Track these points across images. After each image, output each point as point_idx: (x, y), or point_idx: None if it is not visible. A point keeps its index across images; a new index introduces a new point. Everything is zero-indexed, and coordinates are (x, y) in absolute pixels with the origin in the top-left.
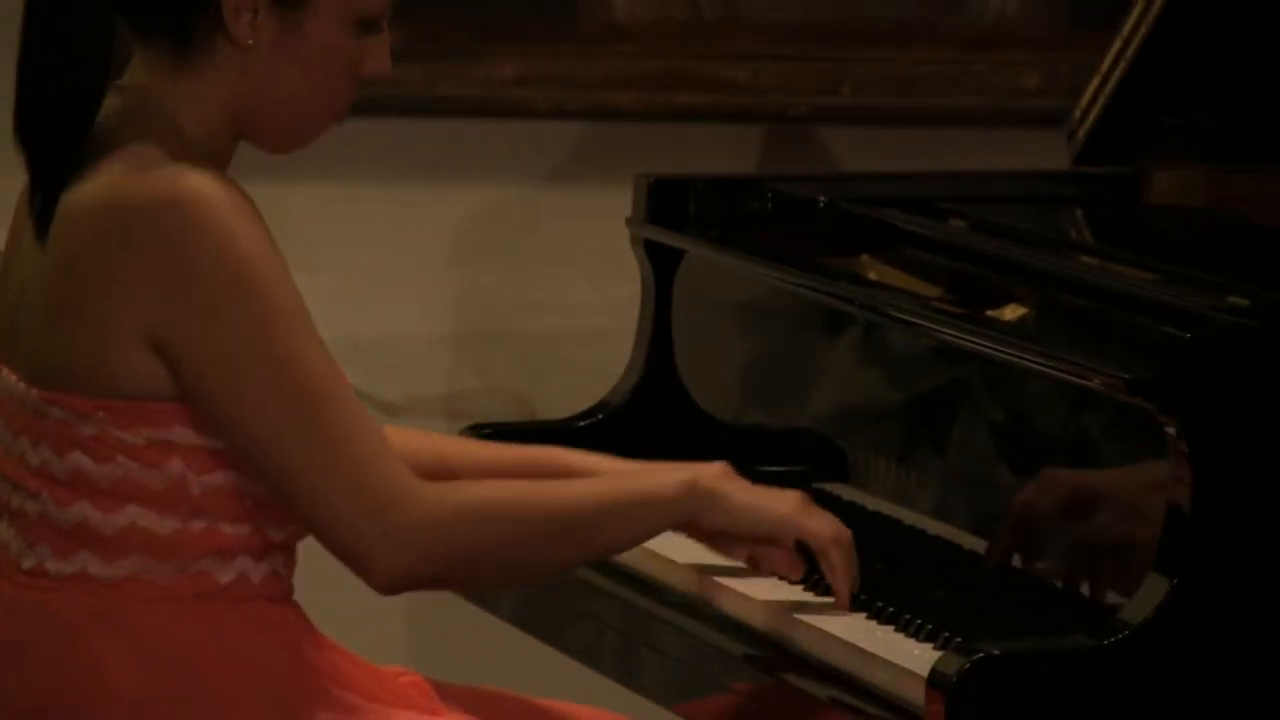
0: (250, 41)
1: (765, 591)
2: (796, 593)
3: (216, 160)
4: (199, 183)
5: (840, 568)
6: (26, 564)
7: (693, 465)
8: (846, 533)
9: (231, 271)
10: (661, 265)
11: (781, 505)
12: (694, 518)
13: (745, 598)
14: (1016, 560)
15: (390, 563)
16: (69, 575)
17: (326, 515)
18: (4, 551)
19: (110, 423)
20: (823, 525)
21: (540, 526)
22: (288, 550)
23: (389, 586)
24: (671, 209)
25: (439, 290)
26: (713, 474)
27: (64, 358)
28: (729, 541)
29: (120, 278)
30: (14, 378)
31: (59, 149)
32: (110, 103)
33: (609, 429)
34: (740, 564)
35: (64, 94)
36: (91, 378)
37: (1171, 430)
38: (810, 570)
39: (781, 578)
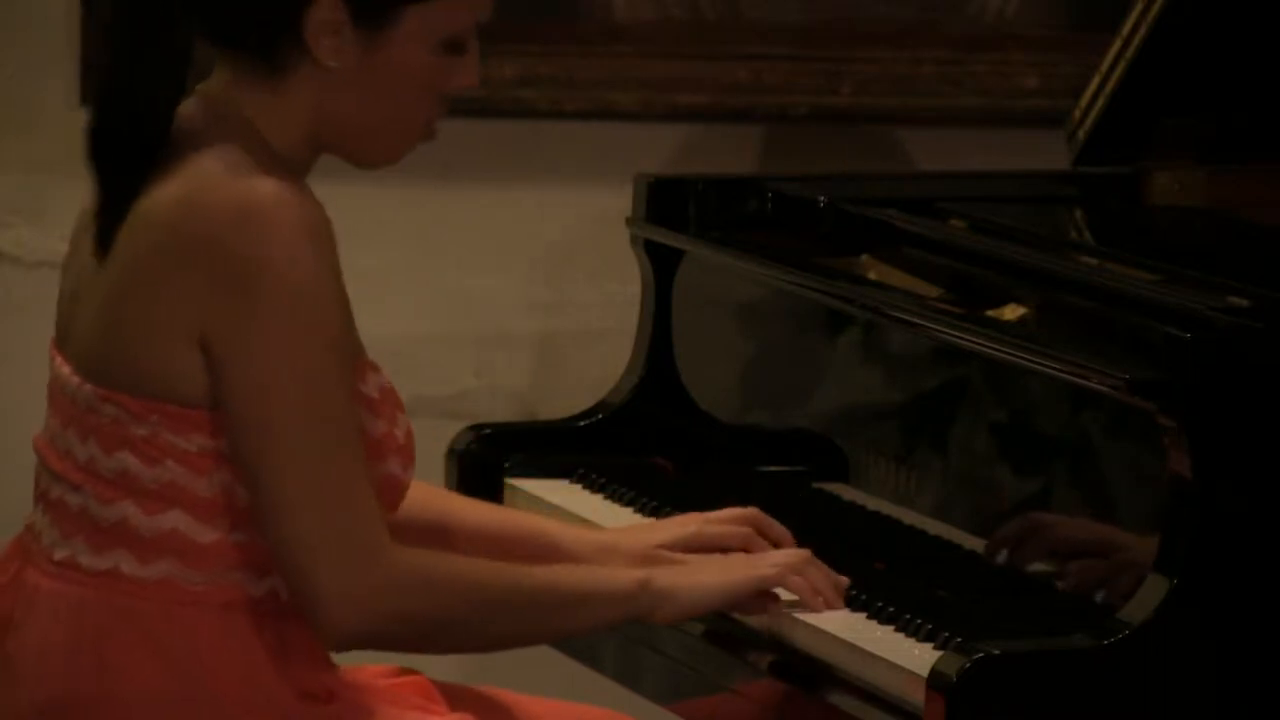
0: (334, 63)
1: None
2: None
3: (295, 171)
4: (275, 192)
5: (811, 592)
6: (59, 554)
7: (662, 529)
8: (800, 558)
9: (290, 287)
10: (661, 265)
11: (731, 574)
12: (646, 615)
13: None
14: (1016, 560)
15: (343, 620)
16: (100, 571)
17: (297, 551)
18: (36, 540)
19: (163, 426)
20: (777, 570)
21: (494, 608)
22: None
23: (336, 640)
24: (671, 209)
25: (439, 290)
26: (664, 570)
27: (121, 356)
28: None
29: (183, 279)
30: (68, 369)
31: (133, 164)
32: (191, 107)
33: (609, 429)
34: None
35: (140, 112)
36: (146, 379)
37: (1172, 430)
38: None
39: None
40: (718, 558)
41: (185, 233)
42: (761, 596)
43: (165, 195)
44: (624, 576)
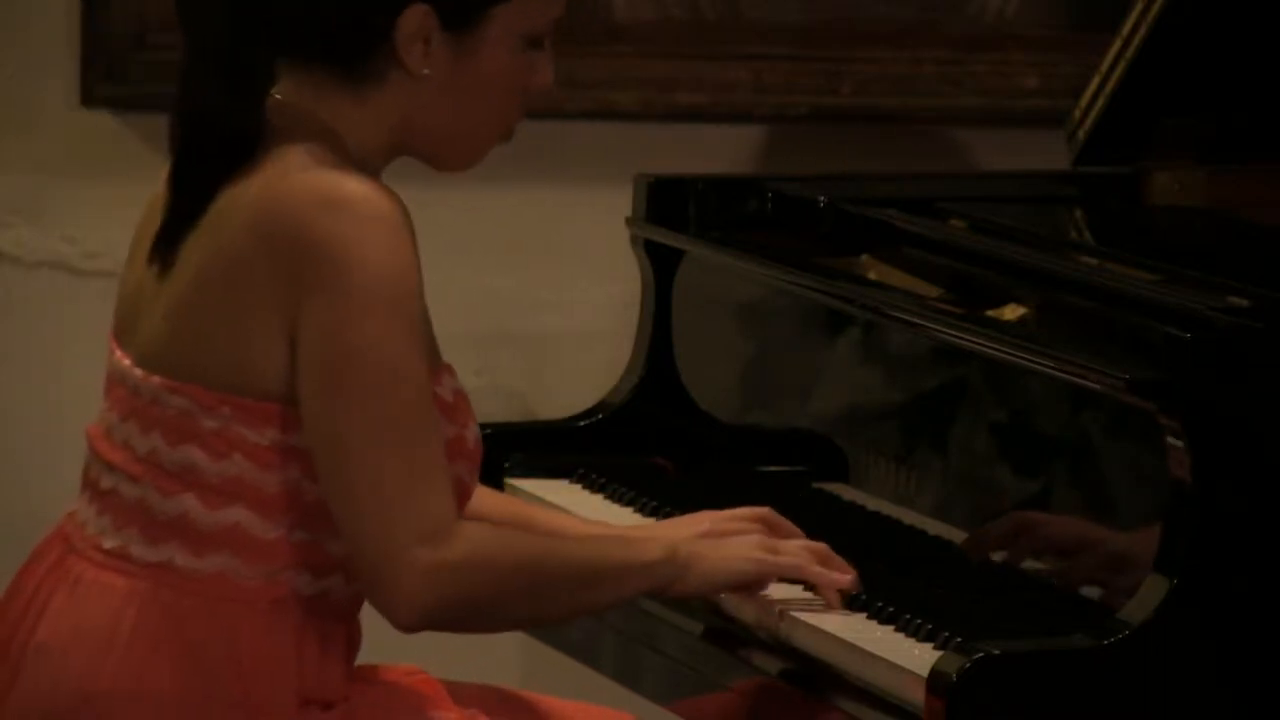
0: (425, 71)
1: (765, 590)
2: (797, 592)
3: (370, 173)
4: (357, 187)
5: (824, 580)
6: (109, 544)
7: (671, 531)
8: (820, 552)
9: (376, 276)
10: (661, 265)
11: (750, 551)
12: (671, 584)
13: (745, 597)
14: (1014, 559)
15: (414, 598)
16: (152, 562)
17: (371, 531)
18: (80, 529)
19: (235, 419)
20: (792, 558)
21: (549, 584)
22: None
23: (407, 621)
24: (671, 209)
25: (439, 290)
26: (688, 540)
27: (197, 348)
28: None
29: (269, 268)
30: (128, 361)
31: (210, 181)
32: (266, 113)
33: (609, 429)
34: None
35: (225, 131)
36: (223, 371)
37: (1172, 430)
38: None
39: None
40: (739, 537)
41: (272, 223)
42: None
43: (248, 191)
44: (653, 546)
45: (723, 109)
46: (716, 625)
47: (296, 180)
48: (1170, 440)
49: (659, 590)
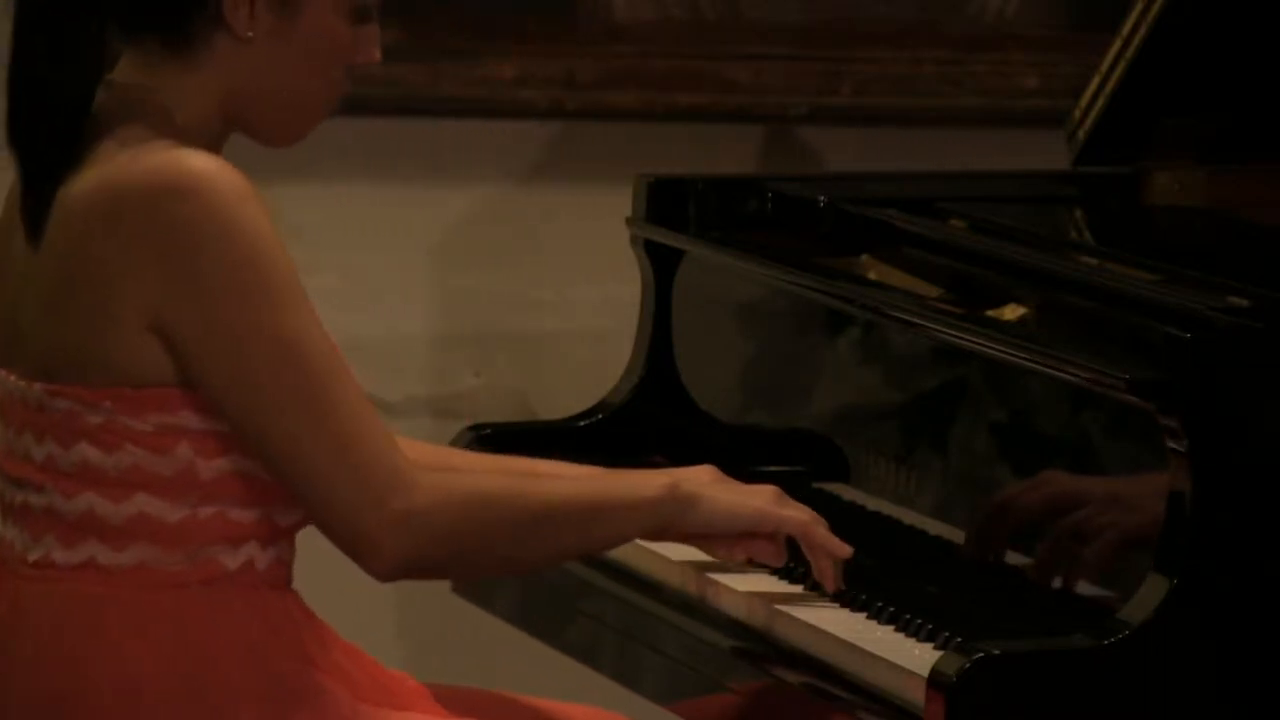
0: (249, 33)
1: (765, 590)
2: (797, 591)
3: (209, 148)
4: (201, 164)
5: (821, 547)
6: (33, 556)
7: (674, 470)
8: (822, 520)
9: (236, 254)
10: (661, 265)
11: (756, 499)
12: (673, 521)
13: (745, 597)
14: (1012, 559)
15: (391, 548)
16: (76, 565)
17: (329, 499)
18: (9, 550)
19: (118, 411)
20: (798, 512)
21: (534, 520)
22: (290, 537)
23: (389, 572)
24: (671, 209)
25: (439, 290)
26: (692, 478)
27: (68, 349)
28: (710, 541)
29: (122, 262)
30: (13, 377)
31: (51, 153)
32: (100, 98)
33: (609, 429)
34: (739, 562)
35: (56, 101)
36: (96, 367)
37: (1171, 430)
38: (802, 565)
39: (762, 565)
40: (750, 485)
41: (117, 215)
42: (761, 548)
43: (86, 182)
44: (653, 481)
45: (723, 109)
46: (716, 625)
47: (136, 164)
48: (1170, 440)
49: (660, 527)
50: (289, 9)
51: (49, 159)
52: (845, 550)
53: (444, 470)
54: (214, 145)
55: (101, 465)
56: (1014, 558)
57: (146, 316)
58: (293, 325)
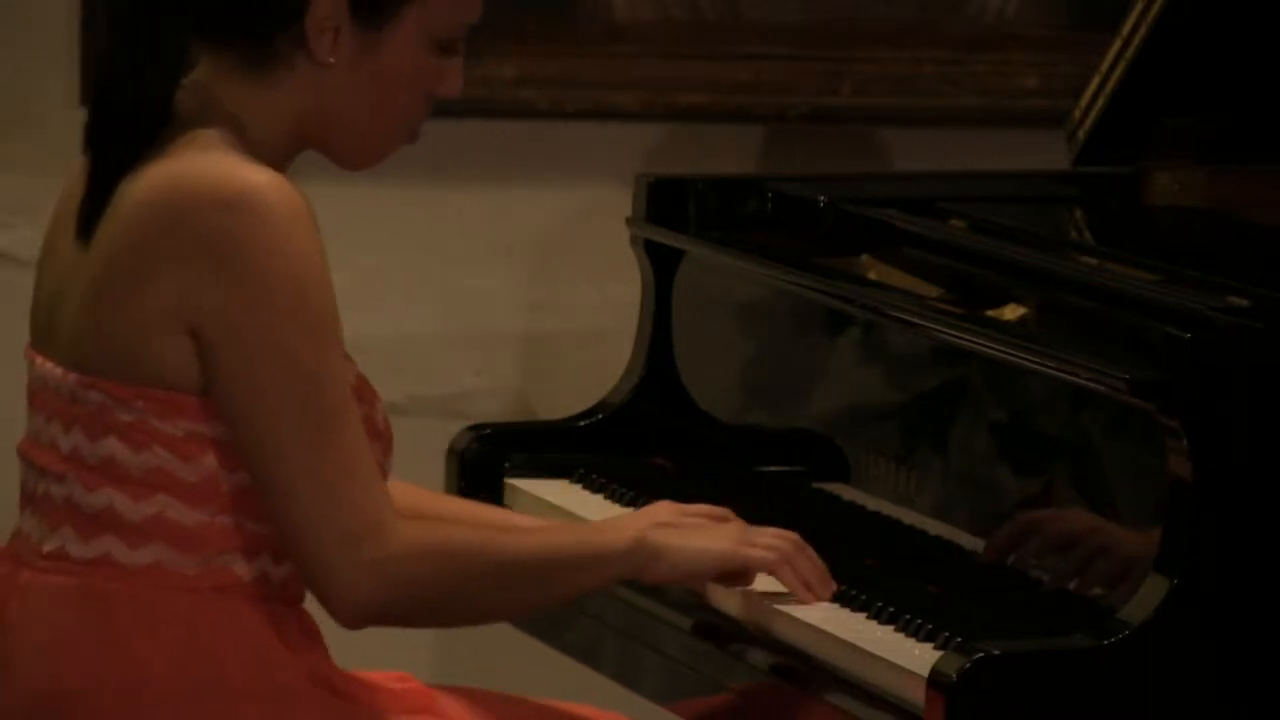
0: (330, 60)
1: (765, 590)
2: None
3: (276, 165)
4: (259, 178)
5: (798, 582)
6: (48, 547)
7: (636, 514)
8: (790, 543)
9: (279, 270)
10: (661, 265)
11: (721, 541)
12: (640, 572)
13: (745, 597)
14: (1016, 560)
15: (355, 593)
16: (91, 559)
17: (303, 530)
18: (25, 541)
19: (149, 412)
20: (764, 552)
21: (502, 574)
22: None
23: (351, 617)
24: (671, 209)
25: (439, 290)
26: (657, 529)
27: (106, 343)
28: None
29: (169, 264)
30: (49, 364)
31: (124, 153)
32: (179, 98)
33: (609, 429)
34: None
35: (135, 105)
36: (132, 365)
37: (1171, 430)
38: None
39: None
40: (712, 525)
41: (172, 214)
42: (743, 576)
43: (145, 180)
44: (620, 535)
45: (723, 109)
46: (716, 625)
47: (198, 168)
48: (1170, 440)
49: (629, 577)
50: (372, 40)
51: (121, 159)
52: (821, 576)
53: (419, 520)
54: (281, 162)
55: (127, 463)
56: (1015, 558)
57: (183, 318)
58: (316, 355)
